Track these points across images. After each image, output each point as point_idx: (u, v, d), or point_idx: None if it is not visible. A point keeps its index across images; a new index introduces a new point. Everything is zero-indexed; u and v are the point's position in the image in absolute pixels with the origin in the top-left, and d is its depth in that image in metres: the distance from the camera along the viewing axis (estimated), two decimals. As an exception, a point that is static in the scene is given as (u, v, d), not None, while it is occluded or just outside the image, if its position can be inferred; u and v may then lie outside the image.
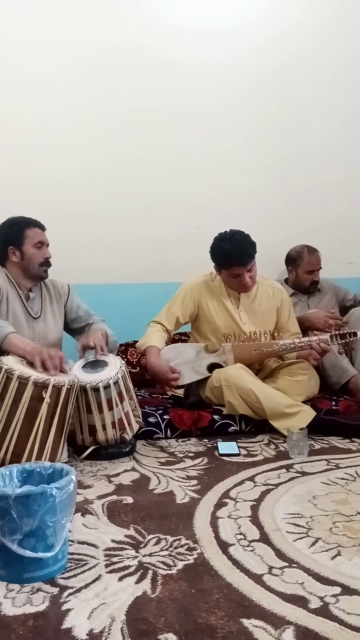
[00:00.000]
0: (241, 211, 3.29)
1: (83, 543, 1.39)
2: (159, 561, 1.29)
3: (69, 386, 1.92)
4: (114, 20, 3.26)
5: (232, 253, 2.49)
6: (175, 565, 1.27)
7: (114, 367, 2.14)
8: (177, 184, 3.38)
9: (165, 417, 2.42)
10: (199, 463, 2.04)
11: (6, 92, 3.13)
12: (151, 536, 1.43)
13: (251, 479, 1.85)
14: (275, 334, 2.55)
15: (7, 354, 1.99)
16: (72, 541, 1.38)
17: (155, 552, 1.34)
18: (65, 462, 1.92)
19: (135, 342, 2.93)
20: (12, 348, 2.01)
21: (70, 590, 1.17)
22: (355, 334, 2.51)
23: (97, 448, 2.10)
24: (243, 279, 2.53)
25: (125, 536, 1.43)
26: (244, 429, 2.44)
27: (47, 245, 2.39)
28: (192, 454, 2.15)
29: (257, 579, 1.21)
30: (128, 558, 1.31)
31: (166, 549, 1.35)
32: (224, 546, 1.37)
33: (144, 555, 1.32)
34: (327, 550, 1.34)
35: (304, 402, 2.47)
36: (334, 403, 2.57)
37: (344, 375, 2.73)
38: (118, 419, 2.10)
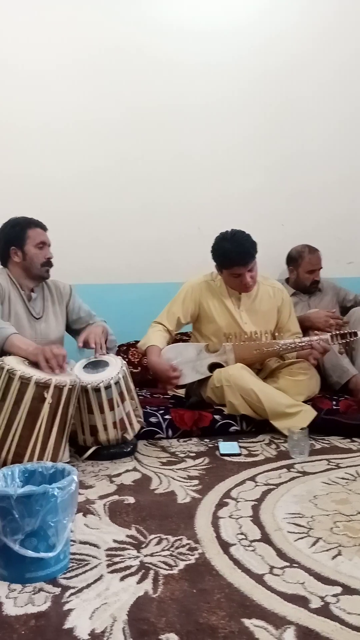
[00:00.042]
0: (241, 211, 3.28)
1: (85, 543, 1.39)
2: (160, 561, 1.30)
3: (70, 386, 1.92)
4: (114, 20, 3.26)
5: (233, 253, 2.49)
6: (176, 565, 1.27)
7: (115, 367, 2.15)
8: (177, 184, 3.38)
9: (167, 417, 2.42)
10: (200, 463, 2.04)
11: (6, 92, 3.13)
12: (152, 536, 1.43)
13: (252, 478, 1.85)
14: (276, 334, 2.55)
15: (9, 354, 2.00)
16: (74, 541, 1.39)
17: (157, 552, 1.34)
18: (67, 462, 1.92)
19: (136, 342, 2.93)
20: (13, 349, 2.01)
21: (72, 590, 1.17)
22: (355, 334, 2.51)
23: (98, 448, 2.10)
24: (244, 278, 2.53)
25: (127, 536, 1.43)
26: (245, 428, 2.44)
27: (49, 245, 2.39)
28: (193, 454, 2.16)
29: (258, 578, 1.21)
30: (129, 558, 1.32)
31: (167, 549, 1.35)
32: (225, 546, 1.37)
33: (146, 555, 1.33)
34: (327, 550, 1.34)
35: (305, 401, 2.47)
36: (334, 403, 2.57)
37: (344, 375, 2.73)
38: (119, 419, 2.11)
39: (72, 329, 2.48)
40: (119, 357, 2.31)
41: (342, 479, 1.84)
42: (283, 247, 3.30)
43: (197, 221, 3.35)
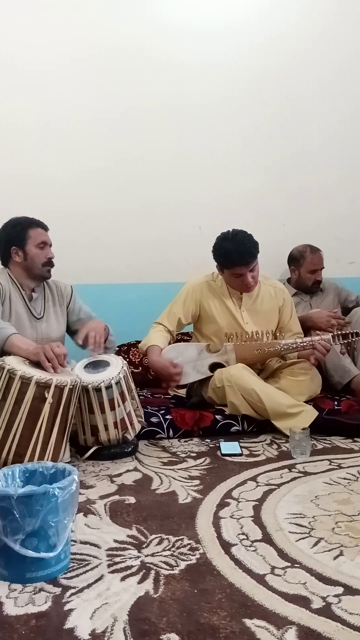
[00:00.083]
0: (241, 211, 3.28)
1: (85, 543, 1.39)
2: (161, 561, 1.29)
3: (71, 386, 1.92)
4: (114, 20, 3.26)
5: (235, 253, 2.49)
6: (177, 566, 1.27)
7: (116, 367, 2.14)
8: (177, 184, 3.37)
9: (168, 417, 2.41)
10: (201, 463, 2.04)
11: (6, 92, 3.13)
12: (153, 536, 1.43)
13: (253, 479, 1.85)
14: (277, 334, 2.55)
15: (9, 355, 1.99)
16: (75, 541, 1.38)
17: (158, 552, 1.34)
18: (68, 462, 1.91)
19: (137, 342, 2.93)
20: (14, 349, 2.00)
21: (73, 590, 1.17)
22: (357, 334, 2.51)
23: (99, 448, 2.10)
24: (245, 278, 2.53)
25: (128, 536, 1.43)
26: (246, 429, 2.44)
27: (50, 245, 2.39)
28: (195, 454, 2.15)
29: (260, 579, 1.21)
30: (130, 558, 1.31)
31: (168, 549, 1.35)
32: (226, 546, 1.37)
33: (147, 556, 1.32)
34: (329, 550, 1.34)
35: (306, 402, 2.47)
36: (336, 403, 2.57)
37: (346, 375, 2.72)
38: (120, 419, 2.10)
39: (72, 330, 2.47)
40: (120, 357, 2.30)
41: (344, 479, 1.84)
42: (284, 247, 3.30)
43: (197, 221, 3.34)
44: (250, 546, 1.36)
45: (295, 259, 3.25)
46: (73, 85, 3.23)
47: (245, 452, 2.15)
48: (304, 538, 1.41)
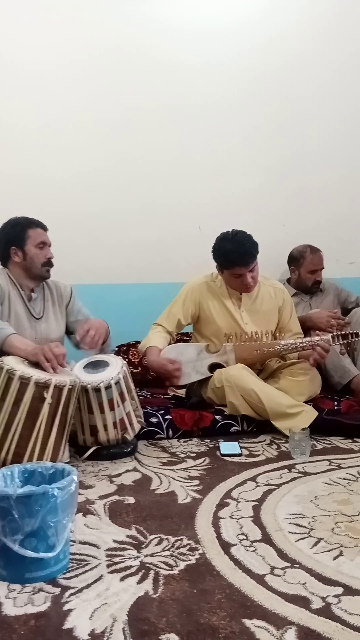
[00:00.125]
0: (241, 211, 3.28)
1: (84, 543, 1.39)
2: (160, 561, 1.29)
3: (70, 386, 1.92)
4: (114, 20, 3.26)
5: (234, 253, 2.49)
6: (177, 566, 1.27)
7: (115, 367, 2.14)
8: (177, 184, 3.37)
9: (167, 417, 2.41)
10: (201, 463, 2.04)
11: (6, 92, 3.13)
12: (153, 536, 1.42)
13: (253, 479, 1.85)
14: (277, 334, 2.55)
15: (8, 355, 1.99)
16: (74, 541, 1.38)
17: (157, 553, 1.33)
18: (67, 463, 1.91)
19: (136, 342, 2.93)
20: (12, 350, 2.00)
21: (72, 591, 1.17)
22: (357, 334, 2.51)
23: (98, 448, 2.09)
24: (245, 279, 2.53)
25: (127, 536, 1.43)
26: (245, 429, 2.43)
27: (49, 245, 2.39)
28: (194, 454, 2.15)
29: (259, 579, 1.21)
30: (130, 558, 1.31)
31: (168, 549, 1.35)
32: (225, 546, 1.36)
33: (146, 556, 1.32)
34: (329, 551, 1.34)
35: (306, 402, 2.47)
36: (336, 403, 2.56)
37: (346, 375, 2.72)
38: (119, 419, 2.10)
39: (69, 331, 2.47)
40: (119, 357, 2.30)
41: (344, 479, 1.84)
42: (283, 247, 3.30)
43: (197, 221, 3.34)
44: (249, 546, 1.36)
45: (295, 259, 3.25)
46: (73, 85, 3.23)
47: (245, 452, 2.15)
48: (303, 538, 1.41)
